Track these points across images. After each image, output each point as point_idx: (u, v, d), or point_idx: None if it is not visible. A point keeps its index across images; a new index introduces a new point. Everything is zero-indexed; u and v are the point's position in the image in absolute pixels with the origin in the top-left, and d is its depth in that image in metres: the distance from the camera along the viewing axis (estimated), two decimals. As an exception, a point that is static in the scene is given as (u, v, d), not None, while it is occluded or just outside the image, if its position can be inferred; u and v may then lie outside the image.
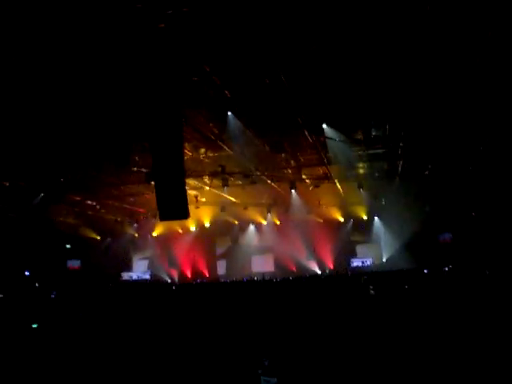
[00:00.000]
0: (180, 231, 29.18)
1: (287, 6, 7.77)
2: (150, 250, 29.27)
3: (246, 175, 18.20)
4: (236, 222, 28.29)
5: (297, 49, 9.15)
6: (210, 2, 7.58)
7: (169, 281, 27.60)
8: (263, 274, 24.27)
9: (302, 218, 26.08)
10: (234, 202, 23.59)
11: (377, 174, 19.64)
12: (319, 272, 25.91)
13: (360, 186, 20.21)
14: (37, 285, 20.34)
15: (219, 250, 29.47)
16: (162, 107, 10.13)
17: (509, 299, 8.03)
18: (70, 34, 8.18)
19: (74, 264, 27.95)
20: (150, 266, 29.56)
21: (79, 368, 6.15)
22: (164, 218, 10.69)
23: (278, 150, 15.48)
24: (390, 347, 6.05)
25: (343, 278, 17.08)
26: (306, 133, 14.12)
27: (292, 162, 17.34)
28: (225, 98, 11.42)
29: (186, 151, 14.61)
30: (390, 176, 19.40)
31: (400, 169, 18.44)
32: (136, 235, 28.86)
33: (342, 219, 26.78)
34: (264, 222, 27.99)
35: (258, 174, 18.35)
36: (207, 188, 20.04)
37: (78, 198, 21.72)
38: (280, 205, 24.55)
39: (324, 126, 13.61)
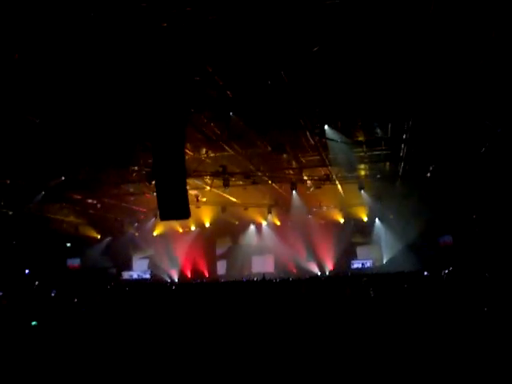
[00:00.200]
0: (180, 231, 29.20)
1: (290, 7, 7.77)
2: (150, 250, 29.28)
3: (247, 176, 18.21)
4: (236, 223, 28.29)
5: (299, 49, 9.14)
6: (212, 1, 7.58)
7: (169, 280, 27.61)
8: (263, 275, 24.29)
9: (303, 219, 26.11)
10: (235, 203, 23.59)
11: (378, 176, 19.63)
12: (319, 273, 25.91)
13: (361, 188, 20.20)
14: (36, 283, 20.35)
15: (219, 250, 29.50)
16: (164, 107, 10.13)
17: (509, 302, 8.02)
18: (72, 33, 8.18)
19: (74, 263, 28.04)
20: (150, 266, 29.59)
21: (78, 367, 6.14)
22: (165, 217, 10.67)
23: (280, 151, 15.47)
24: (390, 348, 6.04)
25: (343, 280, 17.06)
26: (308, 134, 14.13)
27: (293, 162, 17.33)
28: (227, 99, 11.42)
29: (186, 151, 14.61)
30: (391, 178, 19.38)
31: (401, 170, 18.42)
32: (136, 234, 28.87)
33: (342, 220, 26.78)
34: (264, 223, 28.00)
35: (260, 174, 18.35)
36: (208, 188, 20.04)
37: (79, 197, 21.72)
38: (281, 205, 24.54)
39: (326, 127, 13.60)
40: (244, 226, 28.61)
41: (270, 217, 26.37)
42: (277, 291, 13.39)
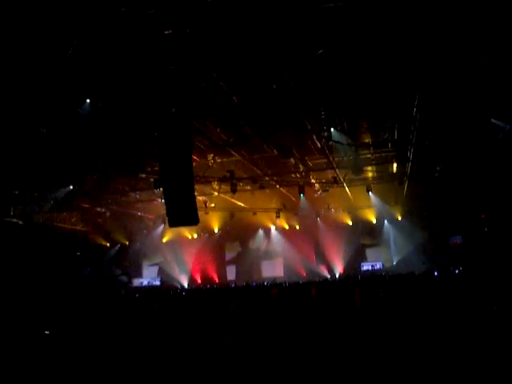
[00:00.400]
0: (189, 237, 29.26)
1: (293, 10, 7.80)
2: (159, 256, 29.34)
3: (255, 180, 18.23)
4: (245, 228, 28.29)
5: (303, 52, 9.16)
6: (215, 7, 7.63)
7: (179, 286, 27.64)
8: (274, 279, 24.24)
9: (311, 223, 26.11)
10: (243, 208, 23.61)
11: (386, 177, 19.59)
12: (329, 276, 25.85)
13: (369, 190, 20.16)
14: (48, 293, 20.41)
15: (229, 256, 29.50)
16: (170, 113, 10.17)
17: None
18: (78, 40, 8.26)
19: (84, 272, 28.14)
20: (160, 272, 29.66)
21: (87, 373, 6.18)
22: (173, 224, 10.68)
23: (287, 154, 15.48)
24: (398, 349, 6.03)
25: (353, 281, 16.98)
26: (314, 137, 14.15)
27: (300, 166, 17.35)
28: (232, 104, 11.46)
29: (193, 157, 14.67)
30: (399, 179, 19.33)
31: (409, 171, 18.38)
32: (146, 242, 28.94)
33: (351, 223, 26.67)
34: (273, 227, 27.98)
35: (267, 178, 18.38)
36: (216, 194, 20.08)
37: (87, 206, 21.85)
38: (289, 209, 24.53)
39: (332, 130, 13.61)
40: (253, 231, 28.59)
41: (278, 221, 26.34)
42: (287, 294, 13.31)
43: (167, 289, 24.28)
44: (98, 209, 22.75)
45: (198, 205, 11.07)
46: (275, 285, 19.05)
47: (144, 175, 17.20)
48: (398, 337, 6.63)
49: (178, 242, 28.69)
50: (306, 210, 23.15)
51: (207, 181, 17.82)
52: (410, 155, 16.13)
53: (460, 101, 11.74)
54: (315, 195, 20.69)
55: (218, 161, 16.25)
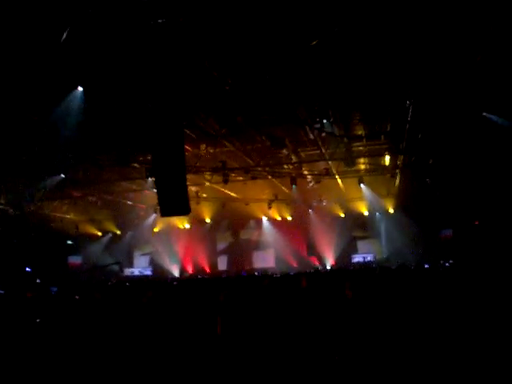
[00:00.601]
0: (181, 227, 29.24)
1: (288, 1, 7.75)
2: (151, 246, 29.34)
3: (247, 171, 18.21)
4: (237, 218, 28.30)
5: (297, 43, 9.11)
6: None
7: (170, 276, 27.66)
8: (266, 270, 24.30)
9: (303, 214, 26.17)
10: (235, 198, 23.60)
11: (378, 169, 19.62)
12: (320, 267, 25.94)
13: (361, 182, 20.20)
14: (38, 281, 20.35)
15: (220, 246, 29.55)
16: (162, 104, 10.09)
17: (508, 296, 8.01)
18: (71, 30, 8.18)
19: (75, 260, 28.13)
20: (152, 262, 29.67)
21: (79, 364, 6.16)
22: (165, 214, 10.61)
23: (279, 145, 15.46)
24: (389, 342, 6.05)
25: (344, 273, 17.04)
26: (307, 128, 14.12)
27: (293, 157, 17.33)
28: (225, 94, 11.40)
29: (186, 147, 14.61)
30: (391, 171, 19.38)
31: (401, 164, 18.42)
32: (137, 231, 28.91)
33: (343, 215, 26.77)
34: (265, 218, 28.03)
35: (259, 169, 18.35)
36: (208, 184, 20.04)
37: (79, 194, 21.75)
38: (281, 200, 24.55)
39: (324, 121, 13.58)
40: (245, 222, 28.64)
41: (270, 212, 26.37)
42: (278, 285, 13.33)
43: (158, 279, 24.29)
44: (90, 198, 22.67)
45: (190, 195, 11.05)
46: (266, 275, 19.06)
47: (136, 165, 17.12)
48: (387, 327, 6.65)
49: (169, 232, 28.68)
50: (297, 201, 23.17)
51: (199, 171, 17.77)
52: (403, 148, 16.15)
53: (453, 94, 11.74)
54: (307, 187, 20.69)
55: (211, 151, 16.19)
